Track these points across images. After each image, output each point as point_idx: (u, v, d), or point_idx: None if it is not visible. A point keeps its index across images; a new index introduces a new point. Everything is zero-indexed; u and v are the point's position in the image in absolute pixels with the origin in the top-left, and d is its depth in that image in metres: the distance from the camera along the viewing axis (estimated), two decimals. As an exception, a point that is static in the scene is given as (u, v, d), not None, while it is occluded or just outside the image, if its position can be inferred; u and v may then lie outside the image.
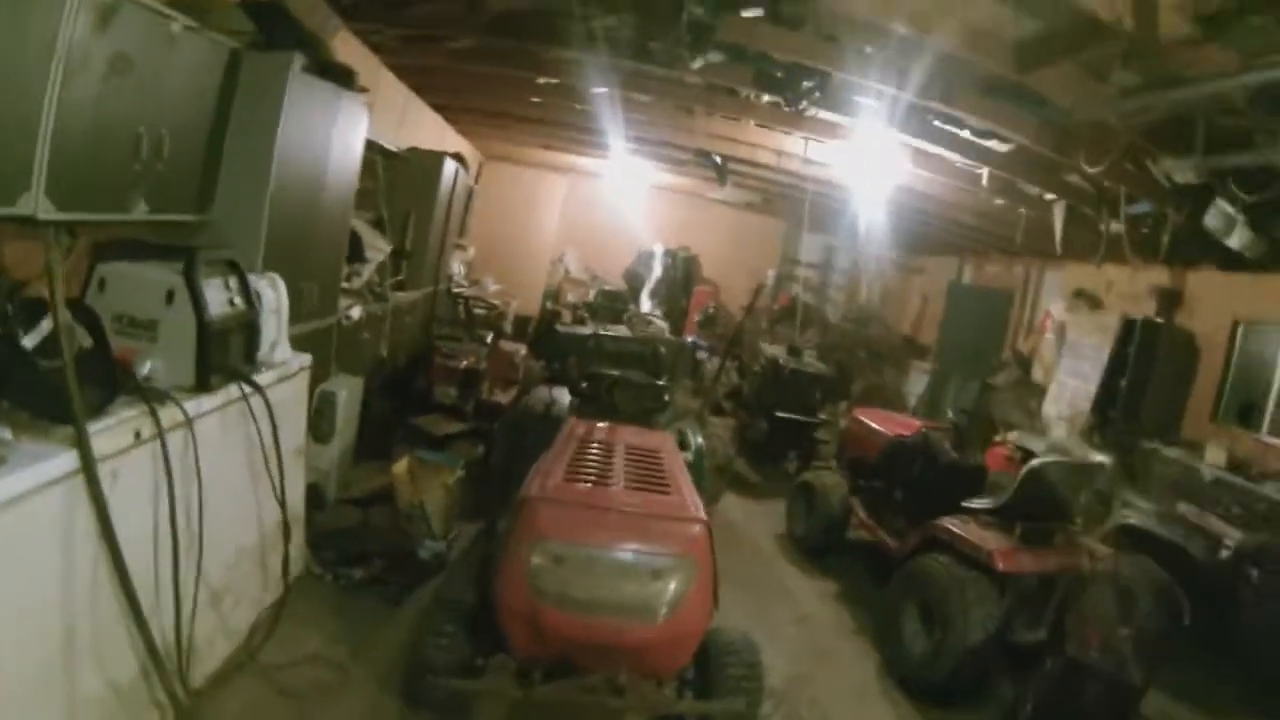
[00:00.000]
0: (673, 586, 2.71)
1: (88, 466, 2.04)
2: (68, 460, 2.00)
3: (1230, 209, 5.21)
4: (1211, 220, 5.37)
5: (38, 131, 2.32)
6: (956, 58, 4.26)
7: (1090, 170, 5.14)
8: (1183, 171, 4.87)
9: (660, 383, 4.47)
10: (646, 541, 2.82)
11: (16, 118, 2.26)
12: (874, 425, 6.04)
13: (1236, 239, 5.36)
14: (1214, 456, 5.83)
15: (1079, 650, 3.54)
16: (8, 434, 1.93)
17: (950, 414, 5.59)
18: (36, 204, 2.38)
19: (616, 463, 3.38)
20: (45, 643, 1.99)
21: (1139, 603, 4.66)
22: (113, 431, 2.20)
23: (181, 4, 3.00)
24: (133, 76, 2.67)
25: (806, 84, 5.11)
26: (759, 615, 4.58)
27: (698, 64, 4.88)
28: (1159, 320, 7.22)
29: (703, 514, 3.06)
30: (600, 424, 3.94)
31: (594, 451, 3.49)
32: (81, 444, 2.03)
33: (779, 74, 5.15)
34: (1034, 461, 4.44)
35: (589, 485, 3.10)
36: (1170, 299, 7.38)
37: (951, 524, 4.36)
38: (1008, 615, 4.04)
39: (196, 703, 2.69)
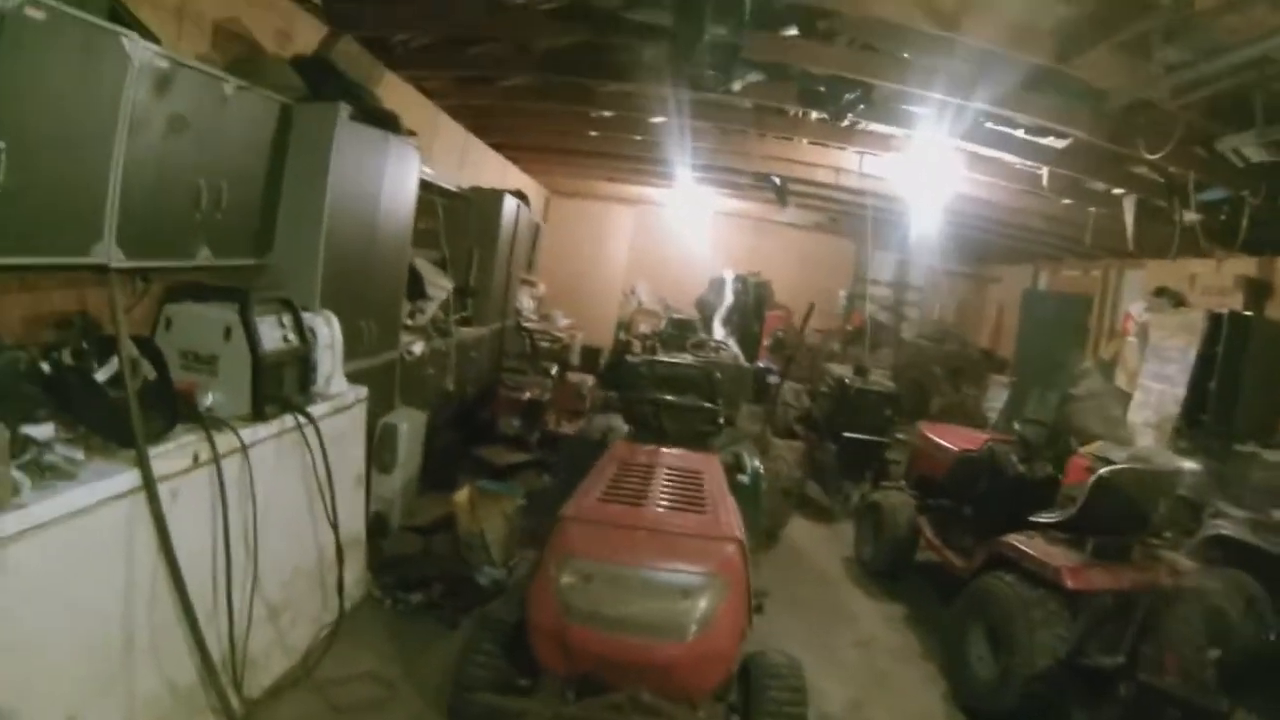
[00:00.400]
0: (702, 605, 2.69)
1: (148, 484, 2.25)
2: (130, 478, 2.21)
3: (1306, 187, 4.95)
4: (1289, 200, 5.11)
5: (107, 187, 2.57)
6: (995, 54, 4.21)
7: (1151, 157, 4.94)
8: (1250, 147, 4.64)
9: (710, 406, 4.48)
10: (676, 560, 2.82)
11: (88, 175, 2.51)
12: (941, 441, 5.89)
13: (1320, 218, 5.07)
14: (1319, 459, 5.41)
15: (1155, 676, 3.33)
16: (79, 454, 2.16)
17: (1017, 426, 5.37)
18: (109, 253, 2.63)
19: (654, 484, 3.41)
20: (107, 645, 2.18)
21: (1229, 620, 4.39)
22: (172, 455, 2.41)
23: (236, 65, 3.29)
24: (191, 134, 2.93)
25: (849, 96, 5.12)
26: (818, 639, 4.51)
27: (737, 85, 4.97)
28: (1248, 314, 6.73)
29: (738, 533, 3.04)
30: (645, 447, 3.99)
31: (634, 473, 3.53)
32: (142, 464, 2.24)
33: (821, 88, 5.18)
34: (1104, 470, 4.18)
35: (623, 505, 3.14)
36: (1259, 290, 6.92)
37: (1017, 540, 4.15)
38: (1081, 638, 3.76)
39: (251, 710, 2.85)
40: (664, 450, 3.99)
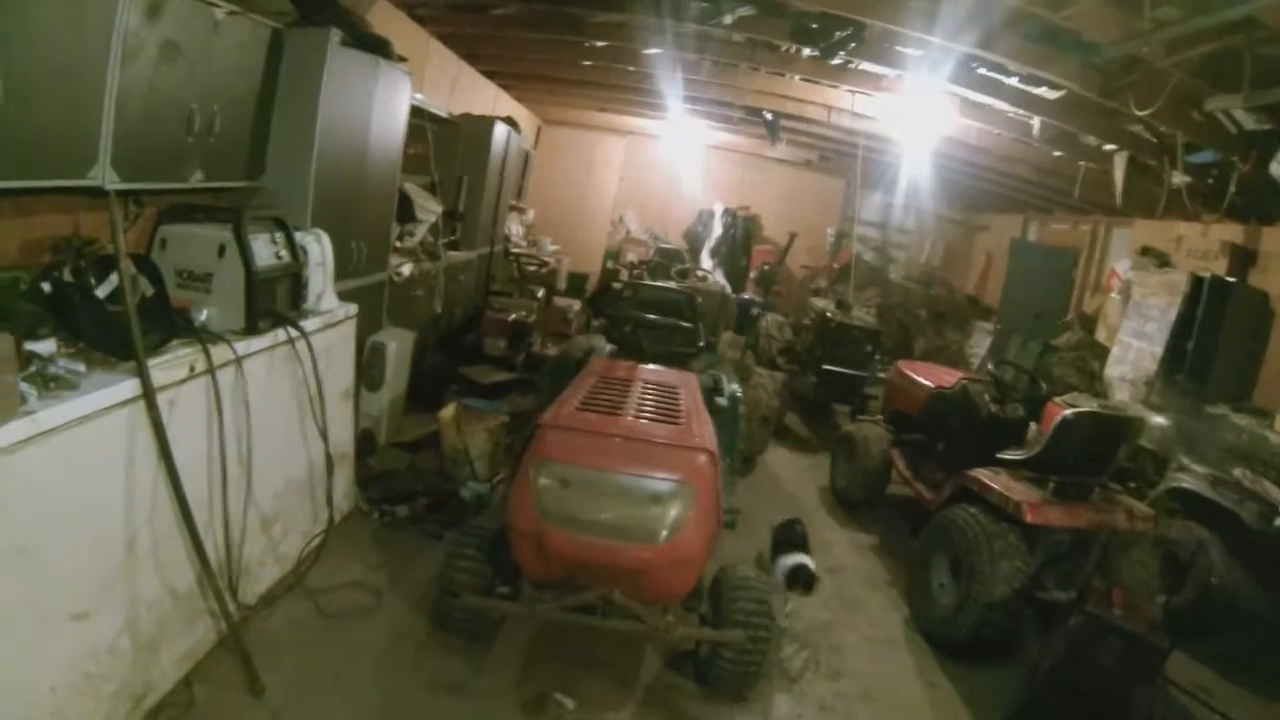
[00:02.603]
0: (673, 511, 2.82)
1: (147, 391, 2.36)
2: (130, 387, 2.32)
3: (1295, 156, 4.99)
4: (1278, 168, 5.14)
5: (101, 111, 2.61)
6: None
7: (1141, 113, 4.98)
8: (1235, 107, 4.67)
9: (689, 326, 4.57)
10: (649, 467, 2.93)
11: (82, 100, 2.55)
12: (917, 378, 6.04)
13: (1307, 189, 5.12)
14: (1287, 425, 5.53)
15: (1101, 607, 3.48)
16: (81, 367, 2.27)
17: (990, 366, 5.49)
18: (104, 175, 2.68)
19: (632, 396, 3.53)
20: (111, 546, 2.32)
21: (1180, 568, 4.60)
22: (170, 366, 2.52)
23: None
24: (183, 59, 2.95)
25: (840, 33, 5.10)
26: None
27: (729, 18, 4.96)
28: (1230, 279, 6.83)
29: (710, 445, 3.15)
30: (626, 363, 4.09)
31: (612, 386, 3.65)
32: (141, 373, 2.34)
33: (813, 25, 5.16)
34: (1068, 412, 4.29)
35: (599, 414, 3.25)
36: (1243, 257, 6.96)
37: (983, 474, 4.30)
38: (1038, 571, 3.95)
39: (246, 615, 3.04)
40: (643, 367, 4.10)
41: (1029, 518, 3.93)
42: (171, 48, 2.88)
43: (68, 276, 2.51)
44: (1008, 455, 4.49)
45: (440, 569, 3.28)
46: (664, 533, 2.81)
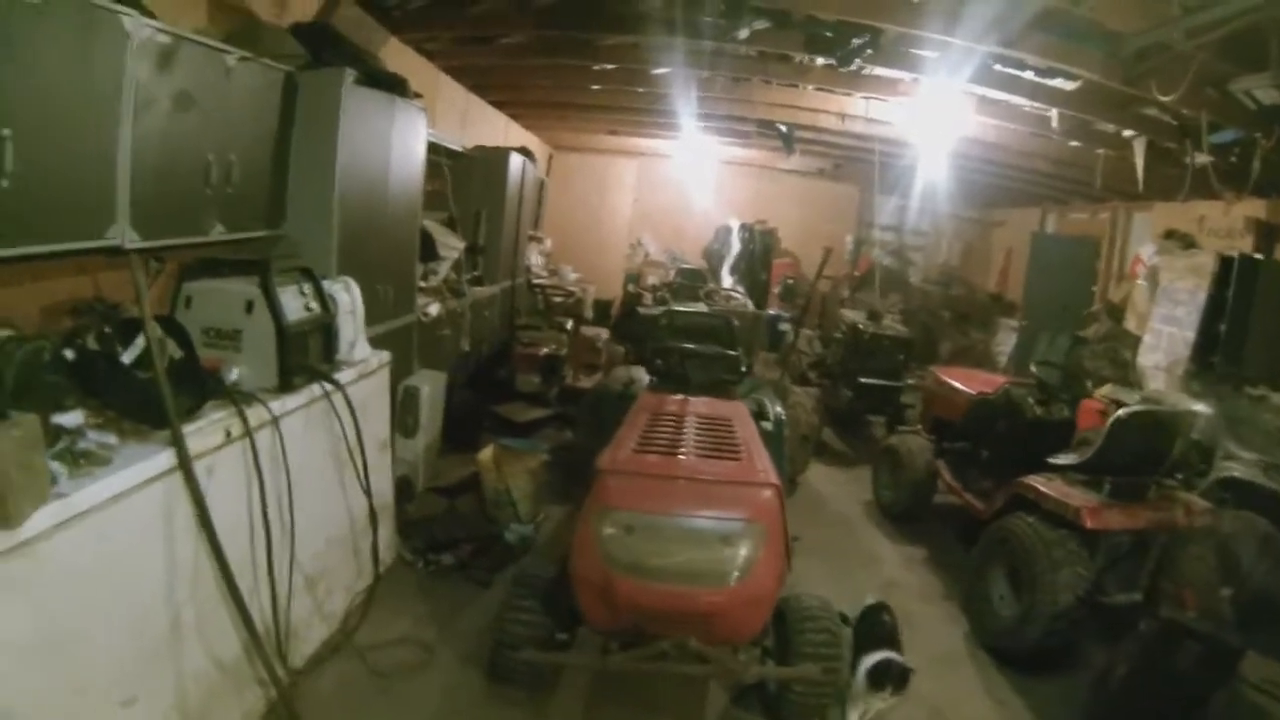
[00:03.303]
0: (743, 551, 2.72)
1: (184, 462, 2.26)
2: (165, 459, 2.22)
3: (1320, 129, 4.87)
4: (1302, 142, 5.03)
5: (116, 168, 2.55)
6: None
7: (1164, 99, 4.86)
8: (1263, 89, 4.55)
9: (732, 353, 4.48)
10: (715, 507, 2.83)
11: (96, 157, 2.48)
12: (956, 384, 5.91)
13: (1331, 161, 5.00)
14: (1328, 402, 5.40)
15: (1175, 611, 3.37)
16: (112, 439, 2.17)
17: (1033, 368, 5.36)
18: (123, 235, 2.61)
19: (687, 432, 3.42)
20: (154, 625, 2.22)
21: (1242, 560, 4.42)
22: (205, 432, 2.42)
23: (235, 37, 3.23)
24: (197, 109, 2.88)
25: (857, 41, 5.02)
26: (843, 582, 4.57)
27: (743, 33, 4.88)
28: (1258, 256, 6.69)
29: (774, 478, 3.05)
30: (673, 396, 3.99)
31: (665, 423, 3.54)
32: (177, 442, 2.25)
33: (828, 34, 5.07)
34: (1120, 411, 4.20)
35: (659, 455, 3.15)
36: (1269, 232, 6.85)
37: (1037, 482, 4.20)
38: (1099, 576, 3.86)
39: (295, 681, 2.93)
40: (692, 399, 4.00)
41: (1089, 523, 3.83)
42: (184, 98, 2.81)
43: (92, 343, 2.42)
44: (1059, 460, 4.37)
45: (495, 620, 3.18)
46: (735, 574, 2.70)
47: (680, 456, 3.15)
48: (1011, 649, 3.92)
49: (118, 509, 2.03)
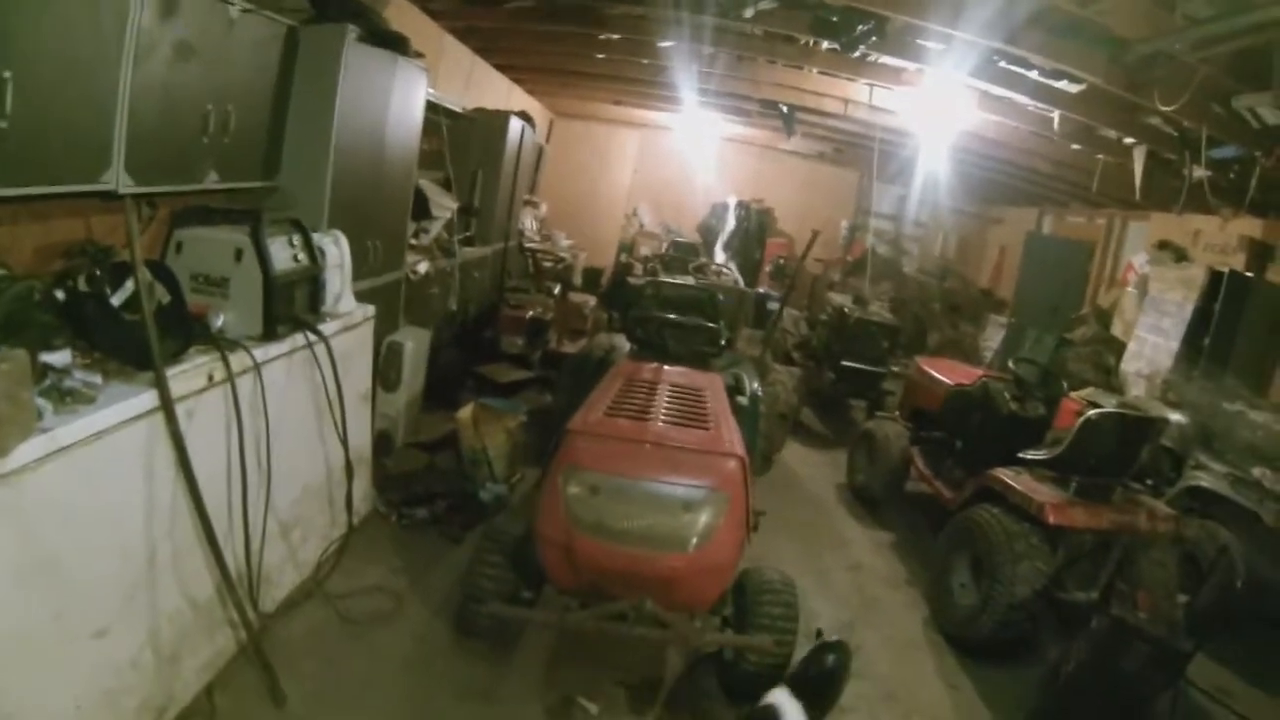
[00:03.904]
0: (704, 518, 2.77)
1: (165, 404, 2.31)
2: (148, 399, 2.27)
3: (1321, 151, 4.91)
4: (1300, 164, 5.08)
5: (114, 114, 2.57)
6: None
7: (1166, 109, 4.89)
8: (1266, 108, 4.59)
9: (712, 326, 4.52)
10: (679, 474, 2.88)
11: (95, 102, 2.51)
12: (936, 375, 5.98)
13: (1328, 185, 5.05)
14: (1304, 422, 5.48)
15: (1127, 611, 3.44)
16: (98, 379, 2.22)
17: (1011, 364, 5.43)
18: (118, 179, 2.65)
19: (658, 400, 3.47)
20: (131, 560, 2.28)
21: (1200, 567, 4.55)
22: (188, 375, 2.47)
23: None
24: (197, 58, 2.91)
25: (862, 27, 5.00)
26: (811, 562, 4.70)
27: (749, 12, 4.87)
28: (1248, 274, 6.78)
29: (740, 450, 3.10)
30: (649, 364, 4.03)
31: (638, 389, 3.59)
32: (160, 384, 2.30)
33: (834, 19, 5.07)
34: (1091, 412, 4.28)
35: (629, 420, 3.20)
36: (1262, 251, 6.91)
37: (1005, 475, 4.27)
38: (1059, 572, 3.94)
39: (266, 623, 3.01)
40: (668, 368, 4.04)
41: (1051, 519, 3.91)
42: (186, 47, 2.83)
43: (82, 285, 2.45)
44: (1029, 455, 4.45)
45: (464, 574, 3.25)
46: (695, 540, 2.76)
47: (650, 422, 3.19)
48: (969, 637, 4.00)
49: (100, 446, 2.09)
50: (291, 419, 3.11)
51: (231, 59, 3.13)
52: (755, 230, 11.37)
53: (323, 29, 3.65)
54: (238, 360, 2.69)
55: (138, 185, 2.72)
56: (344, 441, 3.42)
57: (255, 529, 2.87)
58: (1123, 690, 3.26)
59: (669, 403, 3.46)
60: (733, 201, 11.78)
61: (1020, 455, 4.47)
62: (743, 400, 4.23)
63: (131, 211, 2.53)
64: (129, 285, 2.46)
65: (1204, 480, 4.97)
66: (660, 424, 3.20)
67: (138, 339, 2.32)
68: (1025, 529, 3.94)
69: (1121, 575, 4.06)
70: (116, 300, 2.46)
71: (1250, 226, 7.00)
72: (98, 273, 2.51)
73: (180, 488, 2.42)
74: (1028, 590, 3.78)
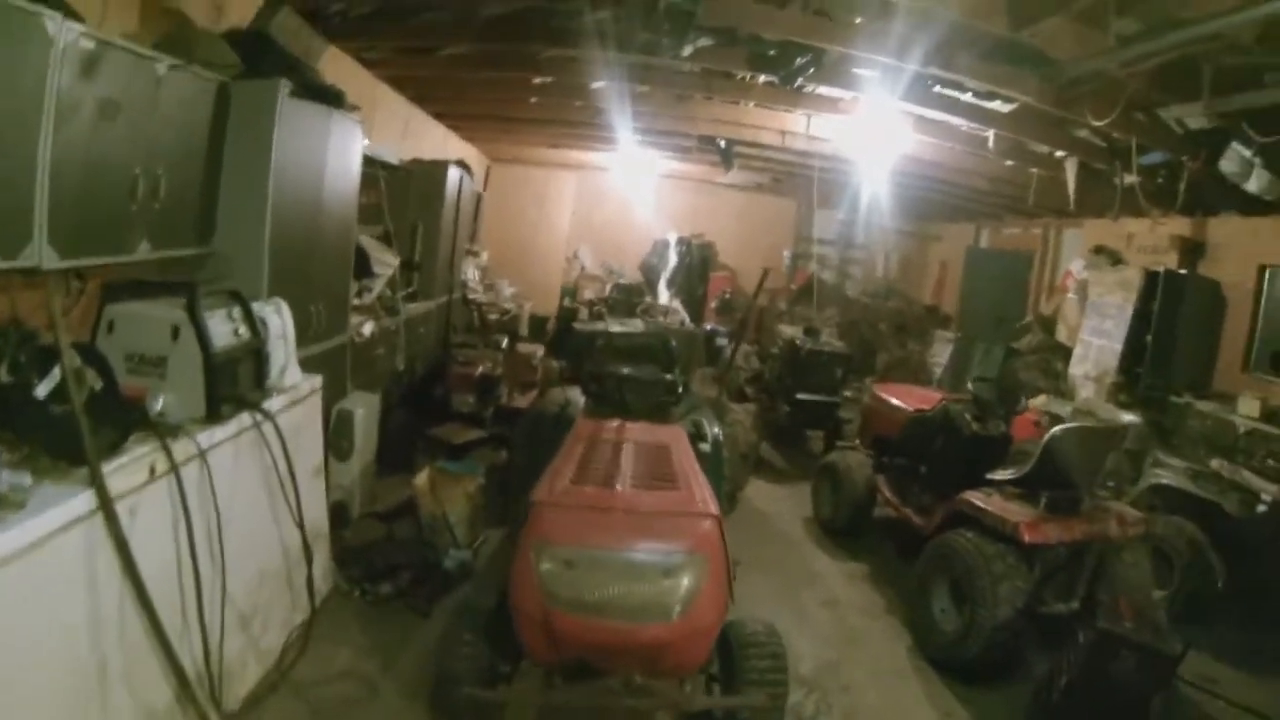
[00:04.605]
0: (685, 583, 2.67)
1: (105, 504, 2.10)
2: (85, 501, 2.06)
3: (1246, 152, 5.13)
4: (1228, 165, 5.29)
5: (35, 183, 2.38)
6: (948, 21, 4.20)
7: (1098, 124, 5.05)
8: (1193, 117, 4.76)
9: (669, 377, 4.44)
10: (655, 540, 2.79)
11: (13, 171, 2.32)
12: (894, 401, 5.99)
13: (1255, 182, 5.27)
14: (1247, 408, 5.63)
15: (1113, 622, 3.46)
16: (27, 479, 1.99)
17: (970, 385, 5.48)
18: (40, 254, 2.44)
19: (624, 461, 3.37)
20: (79, 675, 2.06)
21: (1174, 565, 4.64)
22: (127, 469, 2.26)
23: (167, 42, 3.06)
24: (123, 119, 2.72)
25: (800, 60, 5.06)
26: (787, 600, 4.60)
27: (687, 50, 4.87)
28: (1182, 272, 7.06)
29: (714, 508, 3.03)
30: (609, 423, 3.94)
31: (601, 451, 3.49)
32: (97, 483, 2.09)
33: (771, 53, 5.11)
34: (1055, 430, 4.33)
35: (595, 487, 3.09)
36: (1192, 249, 7.22)
37: (976, 497, 4.29)
38: (1037, 587, 3.97)
39: (231, 724, 2.77)
40: (629, 425, 3.93)
41: (1027, 538, 3.93)
42: (111, 107, 2.65)
43: (4, 375, 2.24)
44: (997, 475, 4.48)
45: (437, 654, 3.07)
46: (678, 607, 2.64)
47: (618, 488, 3.10)
48: (955, 661, 3.99)
49: (34, 557, 1.87)
50: (242, 504, 2.89)
51: (160, 119, 2.94)
52: (698, 265, 11.41)
53: (255, 84, 3.49)
54: (181, 448, 2.48)
55: (63, 259, 2.51)
56: (300, 524, 3.20)
57: (213, 624, 2.63)
58: (1117, 698, 3.31)
59: (635, 464, 3.37)
60: (674, 238, 11.81)
61: (988, 476, 4.49)
62: (705, 447, 4.16)
63: (55, 291, 2.35)
64: (55, 373, 2.25)
65: (1165, 477, 5.10)
66: (629, 489, 3.11)
67: (70, 432, 2.12)
68: (1001, 550, 3.96)
69: (1099, 583, 4.15)
70: (42, 390, 2.24)
71: (1180, 226, 7.29)
72: (21, 359, 2.30)
73: (128, 591, 2.20)
74: (1010, 610, 3.80)
